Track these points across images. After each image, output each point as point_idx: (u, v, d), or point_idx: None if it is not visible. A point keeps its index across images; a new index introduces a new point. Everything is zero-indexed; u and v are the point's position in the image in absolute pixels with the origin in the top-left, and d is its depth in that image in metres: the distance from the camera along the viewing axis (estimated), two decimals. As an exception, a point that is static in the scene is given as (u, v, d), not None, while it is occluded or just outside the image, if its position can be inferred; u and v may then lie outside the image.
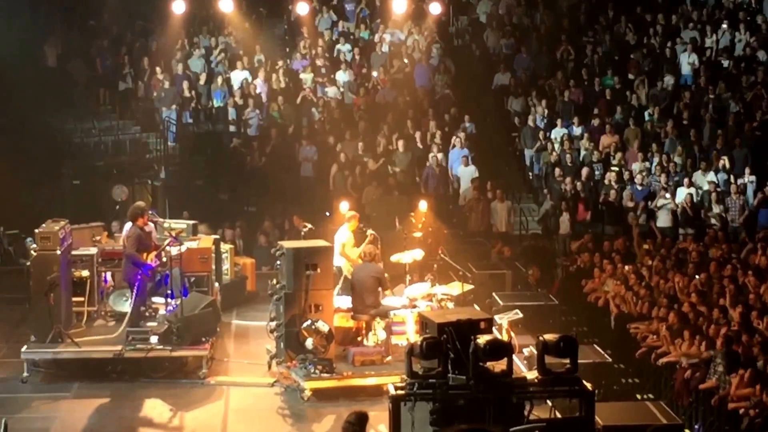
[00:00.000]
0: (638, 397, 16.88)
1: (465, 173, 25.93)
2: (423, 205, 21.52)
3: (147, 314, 18.01)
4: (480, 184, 25.39)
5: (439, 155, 26.43)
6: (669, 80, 28.19)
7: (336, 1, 31.36)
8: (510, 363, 11.22)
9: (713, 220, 23.68)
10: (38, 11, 27.67)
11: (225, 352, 18.52)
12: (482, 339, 11.13)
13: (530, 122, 27.57)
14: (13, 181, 23.66)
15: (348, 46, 30.17)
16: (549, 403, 12.12)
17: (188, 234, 20.12)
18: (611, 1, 31.09)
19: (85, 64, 28.80)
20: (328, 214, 23.75)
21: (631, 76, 28.59)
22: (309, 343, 16.11)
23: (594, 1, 31.48)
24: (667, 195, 24.05)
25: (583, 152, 26.32)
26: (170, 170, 26.52)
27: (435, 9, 29.38)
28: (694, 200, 23.87)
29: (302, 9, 28.73)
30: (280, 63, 29.35)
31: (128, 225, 17.67)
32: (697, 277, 19.25)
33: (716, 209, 23.72)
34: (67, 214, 18.87)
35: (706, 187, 24.32)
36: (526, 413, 11.23)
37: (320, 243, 17.49)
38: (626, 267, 20.64)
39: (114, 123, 27.72)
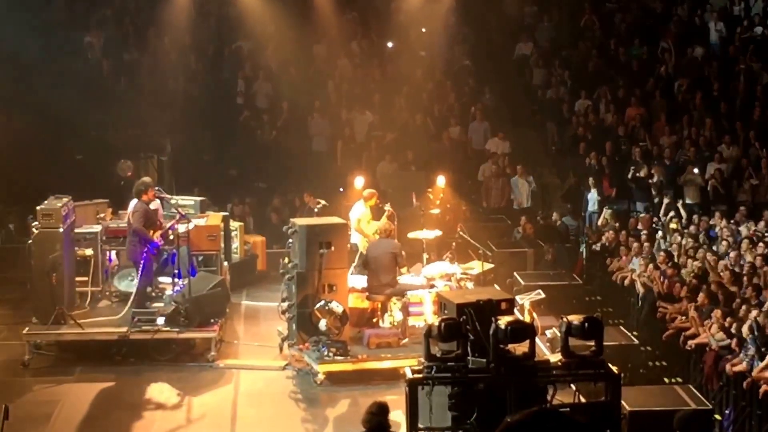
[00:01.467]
0: (666, 380, 16.82)
1: (500, 148, 25.80)
2: (441, 181, 21.46)
3: (153, 294, 18.05)
4: (501, 158, 25.29)
5: (456, 128, 26.40)
6: (698, 50, 27.96)
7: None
8: (532, 345, 11.14)
9: (744, 197, 23.48)
10: None
11: (235, 334, 18.54)
12: (503, 320, 11.05)
13: (552, 94, 27.43)
14: (14, 155, 23.61)
15: (355, 15, 30.06)
16: (573, 387, 12.07)
17: (196, 211, 20.08)
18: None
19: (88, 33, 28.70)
20: (341, 189, 23.70)
21: (665, 45, 28.29)
22: (322, 324, 16.08)
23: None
24: (695, 170, 23.83)
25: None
26: (177, 145, 26.44)
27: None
28: (724, 175, 23.67)
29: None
30: (292, 33, 29.23)
31: (133, 201, 17.63)
32: (729, 255, 19.09)
33: (747, 185, 23.53)
34: (70, 190, 18.81)
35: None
36: (549, 397, 11.16)
37: (334, 220, 17.47)
38: (658, 233, 20.57)
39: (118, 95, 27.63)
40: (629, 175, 24.05)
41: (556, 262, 21.22)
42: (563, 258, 21.71)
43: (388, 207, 18.49)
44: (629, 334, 16.89)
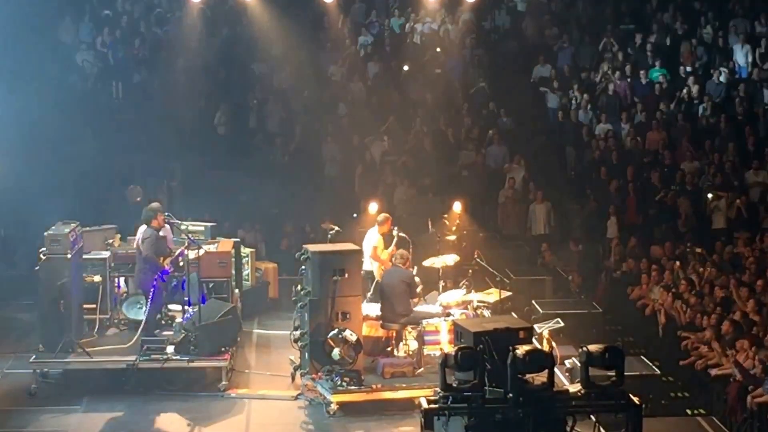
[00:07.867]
0: (688, 412, 16.79)
1: (515, 173, 25.89)
2: (457, 207, 21.55)
3: (163, 322, 18.14)
4: (518, 183, 25.35)
5: (473, 153, 26.49)
6: (722, 73, 27.96)
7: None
8: (551, 375, 11.20)
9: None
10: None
11: (246, 363, 18.60)
12: (521, 349, 11.11)
13: (572, 117, 27.50)
14: (22, 180, 23.76)
15: (370, 38, 30.19)
16: (593, 418, 12.11)
17: (207, 237, 20.17)
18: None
19: (96, 55, 28.90)
20: (354, 215, 23.79)
21: (689, 68, 28.34)
22: (335, 353, 16.13)
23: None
24: (709, 195, 23.76)
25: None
26: (187, 169, 26.54)
27: (471, -4, 29.31)
28: (750, 200, 23.69)
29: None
30: (305, 55, 29.37)
31: (143, 227, 17.74)
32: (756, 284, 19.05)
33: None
34: (78, 216, 18.93)
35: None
36: (568, 429, 11.21)
37: (348, 246, 17.51)
38: (676, 263, 20.58)
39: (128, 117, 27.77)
40: (656, 199, 24.09)
41: (580, 289, 21.29)
42: (587, 285, 21.80)
43: (400, 233, 18.58)
44: (651, 363, 16.87)
